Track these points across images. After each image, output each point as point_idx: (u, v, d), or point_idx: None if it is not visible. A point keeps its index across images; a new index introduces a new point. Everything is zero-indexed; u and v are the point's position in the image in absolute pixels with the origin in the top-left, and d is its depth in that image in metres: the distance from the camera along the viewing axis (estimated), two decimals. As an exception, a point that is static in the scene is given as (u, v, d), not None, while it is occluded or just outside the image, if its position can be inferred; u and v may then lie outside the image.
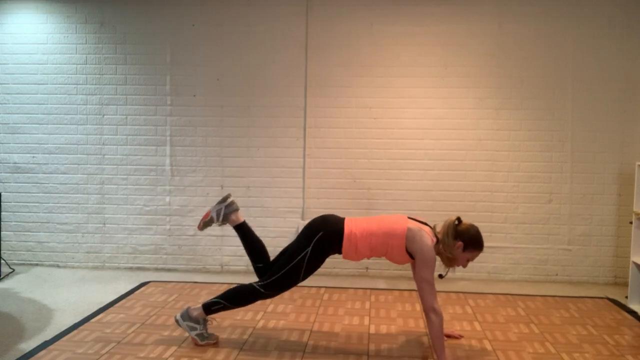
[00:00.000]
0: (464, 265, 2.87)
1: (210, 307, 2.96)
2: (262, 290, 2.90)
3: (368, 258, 2.94)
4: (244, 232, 3.13)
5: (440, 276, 2.89)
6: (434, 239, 2.80)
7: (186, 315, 2.99)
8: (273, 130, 4.56)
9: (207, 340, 2.98)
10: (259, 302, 3.74)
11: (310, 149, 4.54)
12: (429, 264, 2.74)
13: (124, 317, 3.42)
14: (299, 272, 2.87)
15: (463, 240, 2.79)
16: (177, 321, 3.02)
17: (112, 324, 3.30)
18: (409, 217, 2.91)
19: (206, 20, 4.54)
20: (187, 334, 3.12)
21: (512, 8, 4.36)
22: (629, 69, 4.32)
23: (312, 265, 2.88)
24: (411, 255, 2.82)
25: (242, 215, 3.17)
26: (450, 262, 2.84)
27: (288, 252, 2.92)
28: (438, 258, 2.83)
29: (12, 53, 4.67)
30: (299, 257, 2.85)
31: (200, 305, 2.99)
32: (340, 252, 2.89)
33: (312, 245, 2.84)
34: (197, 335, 2.97)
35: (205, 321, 3.00)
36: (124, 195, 4.66)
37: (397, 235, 2.79)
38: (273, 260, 3.05)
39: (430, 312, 2.72)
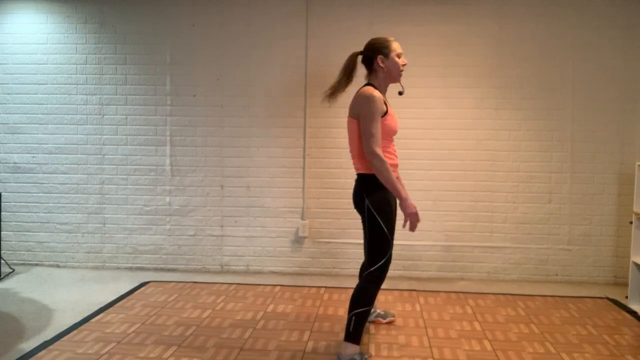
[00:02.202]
0: (400, 70, 2.79)
1: (349, 333, 2.69)
2: (372, 277, 2.71)
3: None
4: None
5: (400, 93, 2.92)
6: (372, 88, 2.72)
7: (343, 356, 2.73)
8: (273, 130, 4.56)
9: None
10: (258, 302, 3.75)
11: (310, 149, 4.54)
12: (368, 115, 2.64)
13: (124, 317, 3.42)
14: (386, 240, 2.71)
15: (375, 53, 2.77)
16: None
17: (112, 324, 3.30)
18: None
19: (206, 20, 4.54)
20: (187, 333, 3.13)
21: (512, 8, 4.36)
22: (629, 69, 4.32)
23: (389, 222, 2.72)
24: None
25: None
26: (392, 76, 2.81)
27: (367, 235, 2.78)
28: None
29: (12, 53, 4.67)
30: (375, 229, 2.70)
31: (343, 342, 2.74)
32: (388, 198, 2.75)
33: (374, 212, 2.69)
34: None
35: (362, 355, 2.73)
36: (124, 195, 4.66)
37: (353, 125, 2.75)
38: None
39: (371, 158, 2.62)
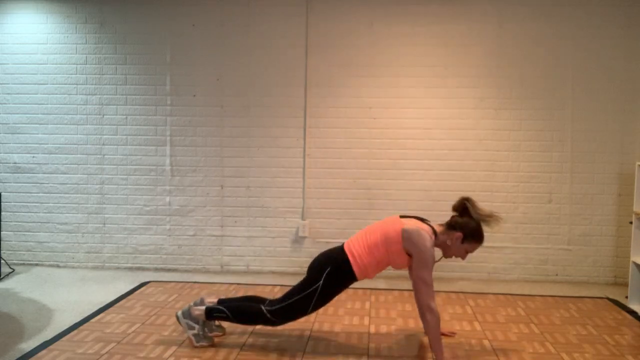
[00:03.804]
0: (463, 257, 2.85)
1: (212, 313, 2.92)
2: (268, 315, 2.84)
3: (380, 272, 2.92)
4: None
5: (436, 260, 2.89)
6: (433, 237, 2.77)
7: (187, 313, 2.96)
8: (273, 130, 4.56)
9: (202, 342, 2.95)
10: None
11: (310, 149, 4.54)
12: (427, 263, 2.70)
13: (124, 317, 3.42)
14: (308, 304, 2.82)
15: (462, 232, 2.77)
16: (177, 318, 2.99)
17: (112, 324, 3.30)
18: (402, 216, 2.88)
19: (206, 20, 4.54)
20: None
21: (513, 8, 4.36)
22: (629, 69, 4.32)
23: (323, 298, 2.83)
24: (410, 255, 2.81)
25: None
26: (448, 251, 2.83)
27: (299, 284, 2.87)
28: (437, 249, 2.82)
29: (12, 53, 4.67)
30: (310, 289, 2.80)
31: (203, 306, 2.95)
32: (355, 279, 2.84)
33: (322, 279, 2.80)
34: (193, 335, 2.95)
35: (204, 323, 2.97)
36: (124, 195, 4.66)
37: (394, 239, 2.76)
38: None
39: (426, 311, 2.69)
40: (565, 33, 4.34)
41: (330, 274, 2.80)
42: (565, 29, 4.34)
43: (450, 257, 2.88)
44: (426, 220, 2.89)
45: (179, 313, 2.99)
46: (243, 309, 2.90)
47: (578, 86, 4.35)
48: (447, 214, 4.45)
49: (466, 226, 2.79)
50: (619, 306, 3.79)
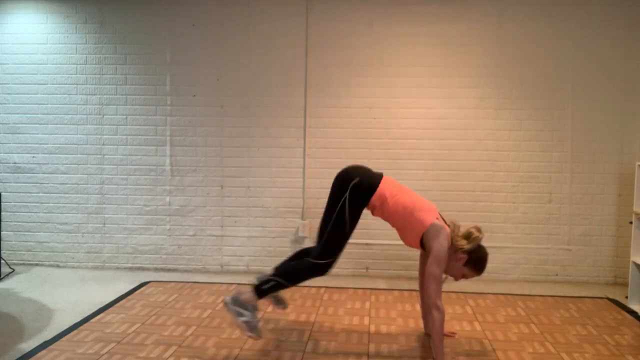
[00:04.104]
0: (456, 278, 2.87)
1: (261, 287, 2.70)
2: (319, 261, 2.70)
3: (382, 219, 2.89)
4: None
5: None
6: (449, 242, 2.79)
7: (236, 300, 2.73)
8: (273, 130, 4.56)
9: (252, 332, 2.70)
10: (260, 302, 3.74)
11: (310, 149, 4.54)
12: (441, 262, 2.71)
13: (124, 317, 3.42)
14: (344, 221, 2.71)
15: (469, 256, 2.79)
16: (225, 304, 2.76)
17: (112, 324, 3.30)
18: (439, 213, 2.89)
19: (206, 20, 4.54)
20: (187, 333, 3.13)
21: (513, 8, 4.36)
22: (629, 69, 4.32)
23: (354, 211, 2.74)
24: (423, 246, 2.81)
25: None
26: (449, 269, 2.84)
27: (327, 206, 2.79)
28: None
29: (12, 53, 4.67)
30: (340, 204, 2.71)
31: (250, 287, 2.73)
32: (367, 205, 2.82)
33: (349, 190, 2.73)
34: (244, 322, 2.71)
35: (254, 308, 2.74)
36: (124, 195, 4.66)
37: (420, 223, 2.75)
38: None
39: (433, 308, 2.70)
40: (565, 33, 4.34)
41: (357, 185, 2.74)
42: (565, 29, 4.34)
43: (447, 274, 2.87)
44: (448, 225, 2.87)
45: (228, 298, 2.75)
46: (293, 268, 2.77)
47: (578, 86, 4.36)
48: (447, 214, 4.46)
49: (474, 252, 2.80)
50: (619, 306, 3.79)
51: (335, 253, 2.75)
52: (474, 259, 2.81)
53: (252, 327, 2.72)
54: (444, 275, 2.79)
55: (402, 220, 2.80)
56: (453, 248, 2.81)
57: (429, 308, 2.72)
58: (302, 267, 2.77)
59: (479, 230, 2.85)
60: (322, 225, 2.80)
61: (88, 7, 4.60)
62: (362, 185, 2.78)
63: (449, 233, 2.81)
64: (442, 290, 4.09)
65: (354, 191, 2.76)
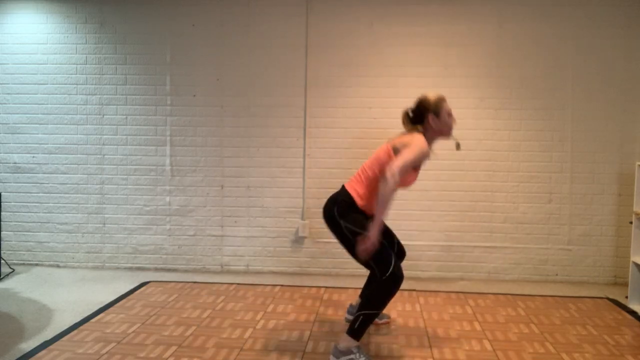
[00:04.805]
0: (452, 124, 2.90)
1: (354, 328, 2.72)
2: (384, 276, 2.70)
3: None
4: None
5: (458, 146, 2.98)
6: (424, 139, 2.80)
7: (337, 352, 2.75)
8: (273, 130, 4.56)
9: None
10: (258, 302, 3.74)
11: (310, 149, 4.54)
12: (410, 154, 2.66)
13: (124, 317, 3.42)
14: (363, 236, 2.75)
15: (426, 112, 2.86)
16: None
17: (112, 324, 3.30)
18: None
19: (206, 20, 4.54)
20: (187, 333, 3.13)
21: (513, 8, 4.36)
22: (629, 69, 4.32)
23: (359, 222, 2.80)
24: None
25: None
26: (443, 133, 2.90)
27: (340, 241, 2.90)
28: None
29: (12, 53, 4.67)
30: (347, 232, 2.81)
31: (344, 334, 2.77)
32: (358, 210, 2.87)
33: (338, 219, 2.83)
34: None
35: (359, 348, 2.76)
36: (124, 195, 4.66)
37: (384, 158, 2.82)
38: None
39: (389, 175, 2.61)
40: (565, 33, 4.34)
41: (351, 223, 2.82)
42: (565, 29, 4.34)
43: (448, 137, 2.92)
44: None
45: (331, 357, 2.78)
46: (373, 295, 2.73)
47: (578, 86, 4.36)
48: (447, 214, 4.47)
49: (424, 108, 2.87)
50: (619, 306, 3.79)
51: (388, 259, 2.74)
52: (429, 107, 2.86)
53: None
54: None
55: (377, 170, 2.85)
56: (425, 129, 2.88)
57: (386, 173, 2.62)
58: (378, 289, 2.73)
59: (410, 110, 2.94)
60: (353, 254, 2.88)
61: (88, 7, 4.60)
62: (341, 204, 2.85)
63: (423, 140, 2.77)
64: (444, 290, 4.09)
65: (343, 215, 2.84)
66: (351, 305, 3.38)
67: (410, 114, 2.94)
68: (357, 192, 2.88)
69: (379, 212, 2.65)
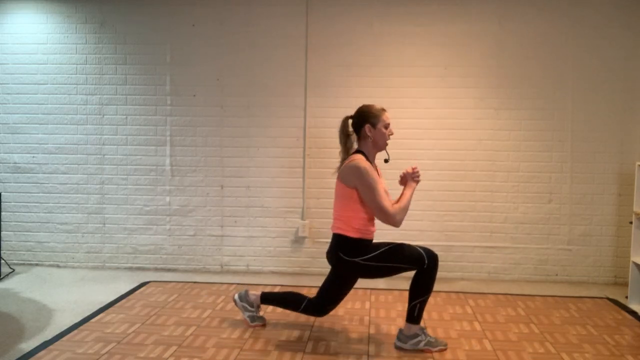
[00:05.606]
0: (387, 136, 2.95)
1: (413, 316, 2.92)
2: (428, 266, 2.87)
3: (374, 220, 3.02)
4: (271, 299, 3.24)
5: (386, 160, 3.04)
6: (360, 155, 2.90)
7: (404, 337, 2.96)
8: (273, 130, 4.56)
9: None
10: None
11: (310, 149, 4.54)
12: (366, 186, 2.81)
13: (124, 317, 3.42)
14: (387, 266, 2.91)
15: (366, 122, 2.91)
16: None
17: (112, 324, 3.30)
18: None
19: (206, 20, 4.54)
20: (187, 333, 3.13)
21: (513, 8, 4.36)
22: (629, 69, 4.32)
23: (380, 261, 2.91)
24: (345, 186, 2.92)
25: (253, 294, 3.30)
26: (378, 145, 2.95)
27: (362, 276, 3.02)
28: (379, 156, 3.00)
29: (12, 53, 4.67)
30: (368, 272, 2.94)
31: (406, 322, 2.97)
32: (369, 247, 2.94)
33: (356, 259, 2.91)
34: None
35: (422, 330, 2.96)
36: (124, 195, 4.66)
37: (345, 192, 2.90)
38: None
39: (391, 222, 2.85)
40: (566, 33, 4.34)
41: (368, 260, 2.89)
42: (565, 29, 4.34)
43: (382, 149, 2.98)
44: (355, 152, 2.99)
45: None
46: (416, 289, 2.91)
47: (578, 86, 4.35)
48: (447, 214, 4.47)
49: (362, 117, 2.93)
50: (619, 306, 3.79)
51: (415, 253, 2.87)
52: (368, 115, 2.92)
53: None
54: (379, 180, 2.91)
55: (352, 208, 2.92)
56: (362, 143, 2.96)
57: (389, 222, 2.86)
58: (423, 278, 2.88)
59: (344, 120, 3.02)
60: (392, 271, 2.94)
61: (88, 7, 4.60)
62: (347, 251, 2.91)
63: (356, 154, 2.91)
64: (445, 290, 4.08)
65: (355, 254, 2.91)
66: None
67: (350, 120, 3.01)
68: (348, 229, 2.91)
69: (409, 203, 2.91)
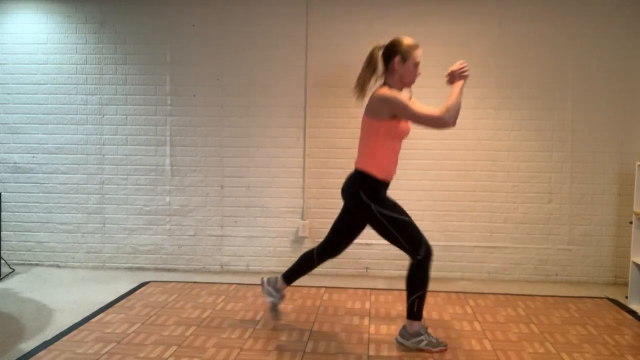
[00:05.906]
0: (416, 76, 2.92)
1: (413, 312, 2.93)
2: (419, 256, 2.87)
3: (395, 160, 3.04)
4: (290, 275, 3.25)
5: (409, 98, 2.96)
6: (386, 88, 2.85)
7: (406, 334, 2.97)
8: (273, 130, 4.56)
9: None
10: (259, 302, 3.74)
11: (310, 149, 4.54)
12: (406, 106, 2.76)
13: (124, 317, 3.42)
14: (394, 218, 2.87)
15: (395, 53, 2.84)
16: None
17: (112, 324, 3.30)
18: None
19: (206, 19, 4.54)
20: (187, 333, 3.13)
21: (513, 8, 4.36)
22: (629, 69, 4.32)
23: (386, 206, 2.89)
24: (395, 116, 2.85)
25: (283, 285, 3.29)
26: (404, 81, 2.91)
27: (372, 225, 2.96)
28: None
29: (12, 53, 4.67)
30: (378, 216, 2.88)
31: (407, 319, 2.97)
32: (383, 188, 2.94)
33: (373, 204, 2.87)
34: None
35: (426, 330, 2.97)
36: (124, 195, 4.66)
37: (373, 126, 2.86)
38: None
39: (444, 122, 2.80)
40: (566, 33, 4.34)
41: (376, 203, 2.88)
42: (565, 29, 4.34)
43: (408, 86, 2.95)
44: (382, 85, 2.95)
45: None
46: (414, 278, 2.91)
47: (578, 86, 4.35)
48: (447, 214, 4.46)
49: (394, 49, 2.86)
50: (619, 306, 3.79)
51: (419, 238, 2.87)
52: (398, 49, 2.84)
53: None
54: (409, 95, 2.90)
55: (383, 138, 2.92)
56: (390, 76, 2.90)
57: (439, 121, 2.83)
58: (417, 271, 2.88)
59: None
60: (390, 238, 2.92)
61: (88, 7, 4.60)
62: (367, 189, 2.90)
63: (385, 89, 2.85)
64: (445, 290, 4.08)
65: (374, 199, 2.88)
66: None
67: (380, 52, 2.93)
68: (372, 166, 2.90)
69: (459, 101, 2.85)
